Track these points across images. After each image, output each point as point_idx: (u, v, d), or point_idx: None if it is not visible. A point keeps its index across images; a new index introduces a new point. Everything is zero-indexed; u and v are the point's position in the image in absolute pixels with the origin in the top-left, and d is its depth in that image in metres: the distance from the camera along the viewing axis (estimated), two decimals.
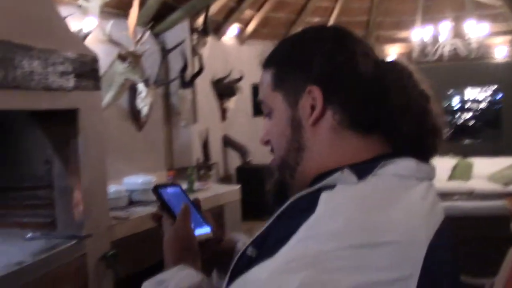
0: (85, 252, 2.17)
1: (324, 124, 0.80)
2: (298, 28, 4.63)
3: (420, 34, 6.21)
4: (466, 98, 8.97)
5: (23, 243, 2.03)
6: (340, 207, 0.69)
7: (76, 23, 3.16)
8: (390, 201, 0.70)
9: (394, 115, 0.78)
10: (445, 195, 5.05)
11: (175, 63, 4.50)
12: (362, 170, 0.74)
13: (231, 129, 5.76)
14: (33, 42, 1.87)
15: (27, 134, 2.24)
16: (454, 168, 6.37)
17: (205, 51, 4.87)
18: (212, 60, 5.15)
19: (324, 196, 0.71)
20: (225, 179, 5.57)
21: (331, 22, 6.51)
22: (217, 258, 1.01)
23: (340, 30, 0.86)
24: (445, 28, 5.96)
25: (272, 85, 0.85)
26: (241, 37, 6.15)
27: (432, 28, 6.09)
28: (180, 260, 0.88)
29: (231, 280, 0.75)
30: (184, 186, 3.72)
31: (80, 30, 3.25)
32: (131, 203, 3.12)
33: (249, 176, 5.48)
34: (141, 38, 3.53)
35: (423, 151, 0.80)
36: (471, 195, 5.48)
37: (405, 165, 0.76)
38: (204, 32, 4.86)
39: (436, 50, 6.06)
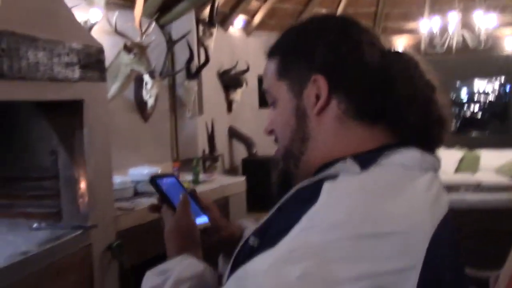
0: (90, 243, 2.18)
1: (329, 114, 0.79)
2: None
3: (428, 25, 6.15)
4: (474, 90, 8.91)
5: (29, 233, 2.04)
6: (342, 197, 0.69)
7: (81, 14, 3.16)
8: (393, 191, 0.70)
9: (400, 105, 0.78)
10: (451, 188, 5.03)
11: (181, 55, 4.49)
12: (366, 160, 0.73)
13: (237, 121, 5.76)
14: (38, 33, 1.87)
15: (33, 125, 2.24)
16: (461, 160, 6.33)
17: (211, 43, 4.85)
18: (218, 52, 5.13)
19: (326, 186, 0.71)
20: (230, 171, 5.57)
21: (338, 13, 6.46)
22: (224, 244, 1.01)
23: (346, 20, 0.85)
24: (453, 19, 5.91)
25: (277, 74, 0.85)
26: (248, 29, 6.12)
27: (440, 19, 6.03)
28: (183, 250, 0.88)
29: (233, 269, 0.75)
30: (190, 177, 3.75)
31: (86, 21, 3.25)
32: (137, 194, 3.13)
33: (254, 167, 5.48)
34: (147, 29, 3.52)
35: (429, 142, 0.79)
36: (478, 187, 5.45)
37: (409, 155, 0.75)
38: (210, 23, 4.84)
39: (444, 41, 6.00)
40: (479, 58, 7.16)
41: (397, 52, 0.84)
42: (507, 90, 8.49)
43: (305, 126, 0.81)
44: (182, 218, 0.93)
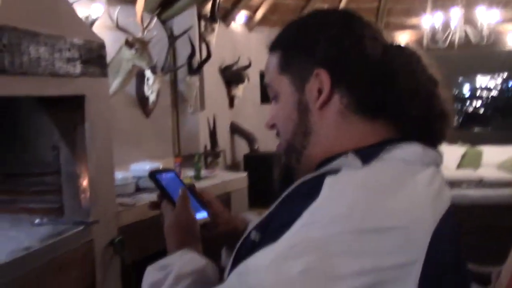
0: (92, 238, 2.18)
1: (331, 108, 0.79)
2: None
3: (430, 20, 6.13)
4: (476, 85, 8.89)
5: (31, 228, 2.04)
6: (344, 191, 0.69)
7: (83, 9, 3.15)
8: (395, 186, 0.70)
9: (402, 99, 0.77)
10: (453, 183, 5.03)
11: (182, 50, 4.48)
12: (367, 154, 0.73)
13: (238, 117, 5.75)
14: (39, 28, 1.86)
15: (34, 120, 2.24)
16: (463, 156, 6.33)
17: (213, 38, 4.84)
18: (220, 47, 5.12)
19: (328, 181, 0.70)
20: (232, 167, 5.57)
21: (340, 8, 6.44)
22: (227, 237, 1.01)
23: (348, 14, 0.85)
24: (455, 14, 5.89)
25: (279, 68, 0.84)
26: (250, 24, 6.11)
27: (442, 14, 6.01)
28: (183, 245, 0.88)
29: (234, 264, 0.75)
30: (191, 173, 3.75)
31: (88, 17, 3.24)
32: (138, 189, 3.13)
33: (256, 163, 5.47)
34: (148, 24, 3.52)
35: (431, 136, 0.79)
36: (480, 183, 5.45)
37: (411, 150, 0.75)
38: (212, 18, 4.83)
39: (447, 37, 5.98)
40: (481, 54, 7.14)
41: (399, 46, 0.84)
42: (510, 85, 8.47)
43: (307, 121, 0.81)
44: (182, 213, 0.93)
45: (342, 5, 6.60)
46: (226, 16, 5.59)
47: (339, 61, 0.79)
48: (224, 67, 5.45)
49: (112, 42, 3.19)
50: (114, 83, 3.31)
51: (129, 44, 3.31)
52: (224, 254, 1.04)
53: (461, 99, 8.75)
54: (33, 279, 1.81)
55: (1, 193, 2.32)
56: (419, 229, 0.66)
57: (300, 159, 0.83)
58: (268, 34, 5.73)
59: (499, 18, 6.02)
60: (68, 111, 2.16)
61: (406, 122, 0.78)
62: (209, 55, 4.58)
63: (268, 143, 5.56)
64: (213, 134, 5.04)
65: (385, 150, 0.74)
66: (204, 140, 4.88)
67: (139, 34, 3.41)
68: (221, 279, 0.82)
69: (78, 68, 2.06)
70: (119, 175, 2.86)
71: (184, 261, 0.82)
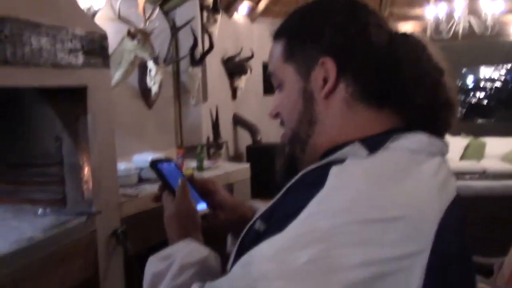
0: (95, 229, 2.18)
1: (337, 97, 0.78)
2: None
3: (434, 11, 6.09)
4: (480, 76, 8.84)
5: (34, 219, 2.04)
6: (349, 181, 0.68)
7: (85, 0, 3.14)
8: (401, 175, 0.69)
9: (408, 87, 0.76)
10: (457, 175, 5.01)
11: (185, 41, 4.46)
12: (373, 143, 0.72)
13: (241, 108, 5.74)
14: (41, 19, 1.85)
15: (37, 111, 2.24)
16: (467, 147, 6.32)
17: (215, 29, 4.82)
18: (222, 38, 5.10)
19: (334, 170, 0.70)
20: (235, 158, 5.57)
21: None
22: (235, 225, 1.00)
23: (353, 2, 0.84)
24: (459, 5, 5.85)
25: (283, 56, 0.83)
26: (252, 15, 6.08)
27: (446, 5, 5.97)
28: (184, 235, 0.87)
29: (238, 253, 0.74)
30: (194, 164, 3.75)
31: (89, 8, 3.23)
32: (141, 180, 3.13)
33: (259, 155, 5.47)
34: (150, 15, 3.50)
35: (437, 125, 0.78)
36: (483, 174, 5.44)
37: (417, 139, 0.74)
38: (215, 9, 4.81)
39: (451, 27, 5.95)
40: (485, 44, 7.10)
41: (405, 34, 0.83)
42: None
43: (312, 109, 0.80)
44: (182, 203, 0.92)
45: None
46: (229, 7, 5.57)
47: (345, 49, 0.77)
48: (226, 58, 5.43)
49: (114, 33, 3.17)
50: (117, 74, 3.30)
51: (131, 35, 3.30)
52: (229, 241, 1.03)
53: (465, 90, 8.71)
54: (35, 270, 1.81)
55: (4, 183, 2.32)
56: (426, 219, 0.66)
57: (305, 149, 0.82)
58: (270, 25, 5.71)
59: (503, 9, 5.98)
60: (71, 102, 2.16)
61: (411, 110, 0.77)
62: (211, 46, 4.56)
63: (270, 134, 5.55)
64: (215, 126, 5.03)
65: (391, 139, 0.73)
66: (206, 131, 4.87)
67: (141, 25, 3.39)
68: (224, 268, 0.81)
69: (80, 59, 2.06)
70: (121, 166, 2.86)
71: (187, 251, 0.82)
